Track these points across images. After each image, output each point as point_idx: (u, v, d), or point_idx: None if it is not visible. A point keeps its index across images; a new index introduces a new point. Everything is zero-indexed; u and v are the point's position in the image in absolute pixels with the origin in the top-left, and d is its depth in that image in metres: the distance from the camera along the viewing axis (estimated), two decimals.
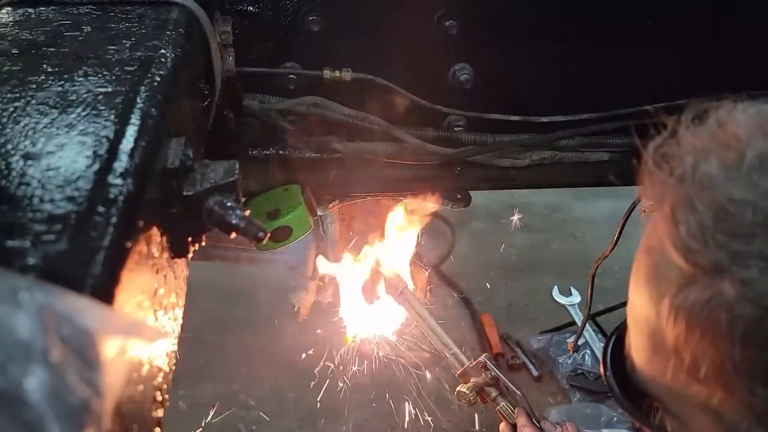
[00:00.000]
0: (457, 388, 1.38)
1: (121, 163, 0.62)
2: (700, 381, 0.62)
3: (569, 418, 1.65)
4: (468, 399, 1.36)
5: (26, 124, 0.67)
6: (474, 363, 1.37)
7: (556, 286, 2.76)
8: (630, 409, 0.78)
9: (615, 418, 2.14)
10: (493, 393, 1.36)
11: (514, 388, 1.35)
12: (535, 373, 2.45)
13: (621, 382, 0.77)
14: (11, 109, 0.69)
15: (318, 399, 2.20)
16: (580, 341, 2.40)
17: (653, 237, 0.64)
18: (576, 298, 2.71)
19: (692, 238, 0.58)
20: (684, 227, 0.59)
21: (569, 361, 2.42)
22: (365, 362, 2.02)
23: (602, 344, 2.43)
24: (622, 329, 0.77)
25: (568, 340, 2.38)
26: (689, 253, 0.59)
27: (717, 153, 0.60)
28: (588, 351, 2.44)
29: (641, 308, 0.67)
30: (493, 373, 1.35)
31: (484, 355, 1.39)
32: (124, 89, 0.74)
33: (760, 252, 0.56)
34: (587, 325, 2.37)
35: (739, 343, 0.57)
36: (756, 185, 0.57)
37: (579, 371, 2.38)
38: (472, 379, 1.36)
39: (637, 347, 0.71)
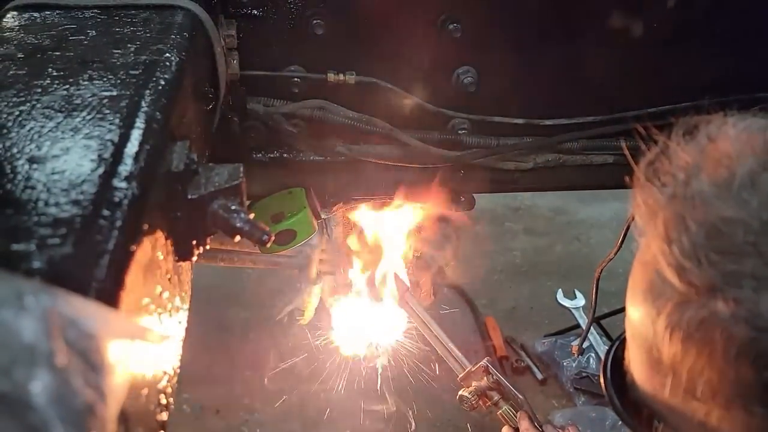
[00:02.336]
0: (459, 392, 1.39)
1: (126, 166, 0.62)
2: (697, 399, 0.62)
3: (573, 422, 1.65)
4: (470, 403, 1.36)
5: (31, 128, 0.67)
6: (476, 367, 1.37)
7: (560, 290, 2.76)
8: (630, 423, 0.78)
9: (620, 422, 2.12)
10: (495, 397, 1.36)
11: (516, 392, 1.35)
12: (539, 376, 2.44)
13: (621, 394, 0.77)
14: (17, 113, 0.69)
15: (321, 402, 2.19)
16: (585, 344, 2.38)
17: (647, 253, 0.64)
18: (580, 301, 2.71)
19: (686, 257, 0.58)
20: (677, 246, 0.59)
21: (574, 365, 2.41)
22: (369, 365, 2.01)
23: (607, 348, 2.42)
24: (621, 341, 0.77)
25: (572, 344, 2.37)
26: (683, 272, 0.59)
27: (708, 170, 0.60)
28: (593, 354, 2.43)
29: (638, 323, 0.67)
30: (495, 377, 1.35)
31: (485, 359, 1.39)
32: (128, 93, 0.74)
33: (752, 272, 0.55)
34: (592, 328, 2.37)
35: (734, 363, 0.57)
36: (747, 203, 0.57)
37: (584, 374, 2.37)
38: (474, 383, 1.37)
39: (635, 362, 0.71)
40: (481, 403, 1.37)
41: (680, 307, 0.60)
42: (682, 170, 0.62)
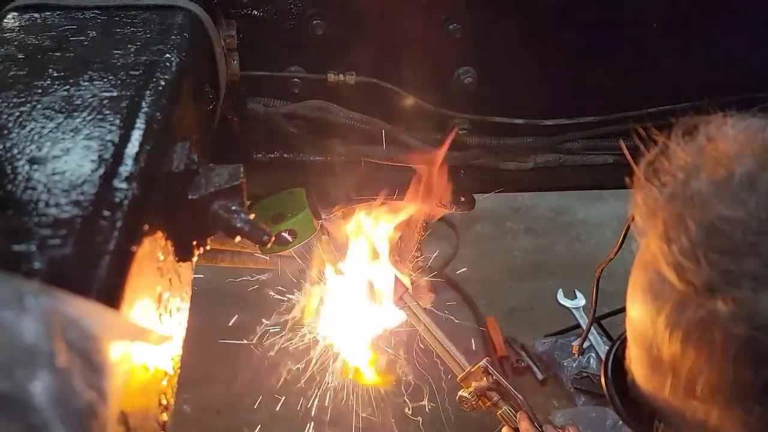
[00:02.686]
0: (459, 393, 1.38)
1: (127, 167, 0.62)
2: (697, 398, 0.62)
3: (573, 422, 1.64)
4: (470, 404, 1.36)
5: (32, 129, 0.67)
6: (475, 368, 1.37)
7: (560, 289, 2.76)
8: (630, 422, 0.78)
9: (621, 422, 2.12)
10: (495, 397, 1.36)
11: (515, 392, 1.35)
12: (539, 376, 2.44)
13: (622, 394, 0.77)
14: (17, 114, 0.70)
15: (322, 402, 2.19)
16: (585, 344, 2.38)
17: (647, 253, 0.64)
18: (581, 301, 2.71)
19: (685, 257, 0.59)
20: (676, 246, 0.59)
21: (574, 365, 2.41)
22: (369, 365, 2.01)
23: (607, 348, 2.42)
24: (622, 341, 0.77)
25: (573, 344, 2.37)
26: (682, 271, 0.59)
27: (707, 170, 0.61)
28: (593, 354, 2.44)
29: (638, 323, 0.67)
30: (494, 378, 1.35)
31: (485, 359, 1.39)
32: (129, 93, 0.74)
33: (752, 271, 0.56)
34: (592, 328, 2.37)
35: (733, 362, 0.57)
36: (745, 203, 0.57)
37: (584, 374, 2.37)
38: (474, 384, 1.36)
39: (636, 361, 0.71)
40: (480, 403, 1.37)
41: (680, 306, 0.60)
42: (681, 170, 0.62)
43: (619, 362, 0.76)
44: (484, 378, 1.36)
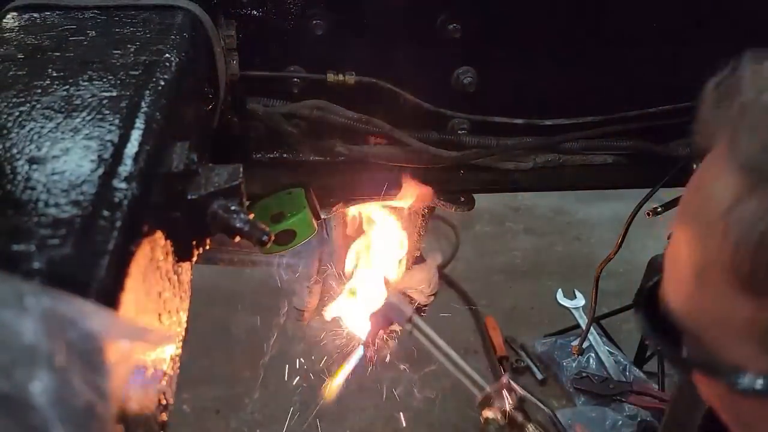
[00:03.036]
0: (483, 414, 1.32)
1: (126, 167, 0.62)
2: (751, 291, 0.60)
3: (573, 422, 1.64)
4: (497, 424, 1.30)
5: (31, 129, 0.67)
6: (496, 386, 1.31)
7: (560, 289, 2.76)
8: (660, 341, 0.75)
9: (620, 422, 2.13)
10: (520, 418, 1.29)
11: (543, 406, 1.31)
12: (539, 376, 2.45)
13: (654, 325, 0.75)
14: (16, 114, 0.70)
15: (322, 403, 2.19)
16: (585, 344, 2.39)
17: (704, 176, 0.63)
18: (580, 301, 2.71)
19: (750, 153, 0.58)
20: (743, 145, 0.58)
21: (574, 365, 2.41)
22: (369, 366, 2.01)
23: (607, 347, 2.43)
24: (653, 282, 0.74)
25: (572, 344, 2.38)
26: (746, 163, 0.58)
27: None
28: (592, 354, 2.44)
29: (686, 243, 0.65)
30: (518, 394, 1.30)
31: (505, 375, 1.34)
32: (128, 93, 0.74)
33: None
34: (592, 328, 2.37)
35: None
36: None
37: (584, 374, 2.37)
38: (497, 405, 1.30)
39: (676, 286, 0.69)
40: (507, 427, 1.30)
41: (740, 202, 0.59)
42: (752, 87, 0.62)
43: (651, 300, 0.74)
44: (507, 396, 1.30)
